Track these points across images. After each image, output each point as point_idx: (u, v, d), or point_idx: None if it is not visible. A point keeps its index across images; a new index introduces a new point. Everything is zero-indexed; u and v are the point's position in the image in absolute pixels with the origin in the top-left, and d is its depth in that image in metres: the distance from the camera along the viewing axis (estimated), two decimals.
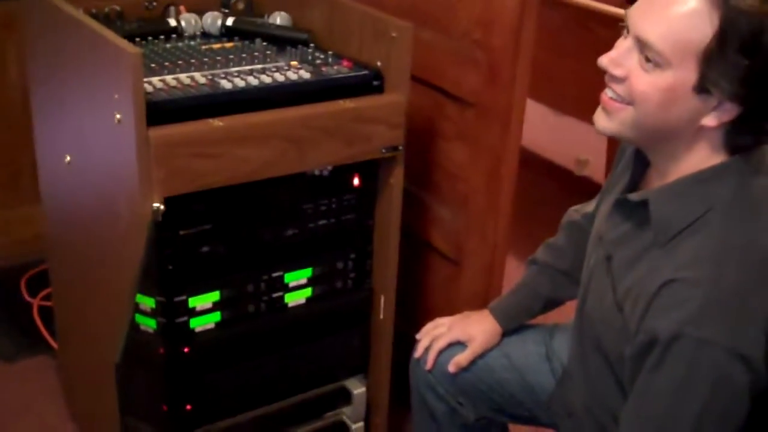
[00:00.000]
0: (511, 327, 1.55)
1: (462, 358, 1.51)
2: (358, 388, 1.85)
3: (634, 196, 1.21)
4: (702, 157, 1.15)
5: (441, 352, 1.53)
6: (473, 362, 1.52)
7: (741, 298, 1.09)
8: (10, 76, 2.54)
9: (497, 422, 1.58)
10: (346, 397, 1.86)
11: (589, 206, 1.51)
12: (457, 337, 1.53)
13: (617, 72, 1.15)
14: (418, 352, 1.56)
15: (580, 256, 1.41)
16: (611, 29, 2.80)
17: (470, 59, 1.70)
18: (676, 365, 1.09)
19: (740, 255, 1.10)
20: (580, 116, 3.01)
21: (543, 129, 3.38)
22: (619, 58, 1.15)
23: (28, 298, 2.51)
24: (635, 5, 1.14)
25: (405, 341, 1.76)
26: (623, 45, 1.15)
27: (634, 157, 1.26)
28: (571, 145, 3.35)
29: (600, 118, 1.19)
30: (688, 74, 1.09)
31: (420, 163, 1.86)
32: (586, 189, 2.39)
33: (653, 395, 1.13)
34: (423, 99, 1.81)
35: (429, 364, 1.53)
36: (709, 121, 1.11)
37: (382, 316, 1.81)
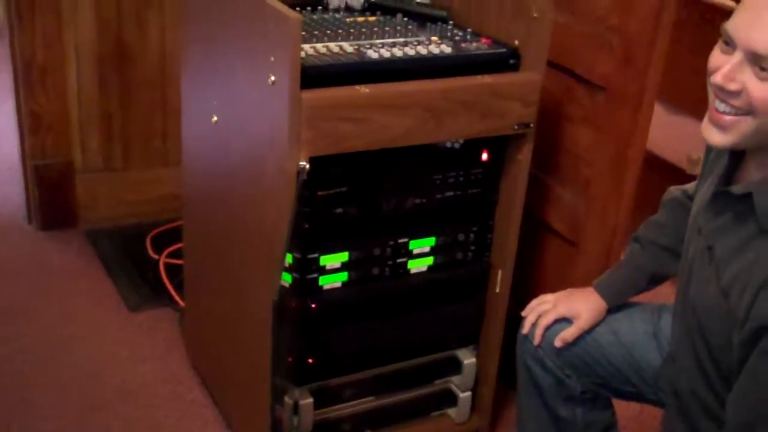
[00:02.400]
0: (616, 303, 1.58)
1: (568, 333, 1.55)
2: (468, 358, 1.91)
3: (737, 189, 1.24)
4: None
5: (548, 328, 1.57)
6: (581, 337, 1.55)
7: None
8: (150, 44, 2.69)
9: (602, 396, 1.61)
10: (456, 366, 1.92)
11: (690, 186, 1.54)
12: (562, 313, 1.57)
13: (732, 87, 1.16)
14: (525, 328, 1.61)
15: (681, 230, 1.43)
16: None
17: (605, 44, 1.74)
18: None
19: None
20: (693, 114, 2.99)
21: (655, 125, 3.36)
22: (731, 74, 1.16)
23: (153, 255, 2.66)
24: (738, 20, 1.16)
25: (516, 318, 1.81)
26: (733, 60, 1.16)
27: (729, 158, 1.28)
28: (684, 142, 3.31)
29: (713, 134, 1.21)
30: None
31: (544, 145, 1.90)
32: None
33: (764, 379, 1.16)
34: (552, 82, 1.85)
35: (537, 340, 1.58)
36: None
37: (498, 290, 1.86)
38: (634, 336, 1.54)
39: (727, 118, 1.19)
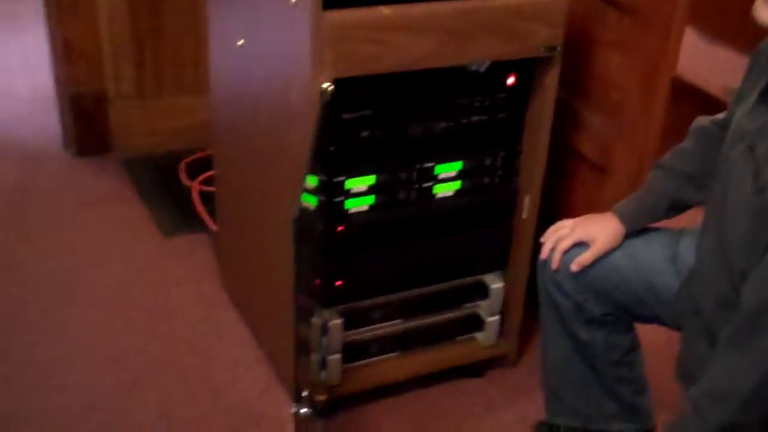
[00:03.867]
0: (634, 228, 1.56)
1: (584, 257, 1.55)
2: (496, 283, 1.93)
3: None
4: None
5: (566, 252, 1.57)
6: (598, 261, 1.55)
7: None
8: None
9: (623, 319, 1.62)
10: (483, 290, 1.94)
11: (720, 115, 1.51)
12: (579, 237, 1.56)
13: None
14: (544, 253, 1.61)
15: (707, 160, 1.42)
16: None
17: None
18: None
19: None
20: (731, 42, 2.92)
21: (692, 54, 3.28)
22: None
23: (186, 181, 2.70)
24: None
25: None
26: None
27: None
28: (721, 72, 3.24)
29: (763, 10, 1.18)
30: None
31: (574, 70, 1.88)
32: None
33: None
34: (582, 4, 1.82)
35: (555, 264, 1.58)
36: None
37: (525, 216, 1.86)
38: (651, 260, 1.53)
39: None
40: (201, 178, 2.66)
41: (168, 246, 2.48)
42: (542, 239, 1.63)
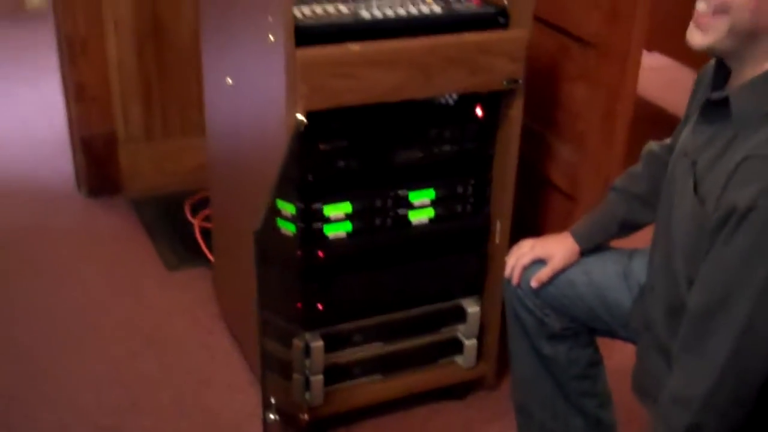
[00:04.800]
0: (589, 246, 1.65)
1: (543, 273, 1.64)
2: (472, 307, 2.01)
3: (715, 95, 1.30)
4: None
5: (525, 268, 1.66)
6: (556, 277, 1.64)
7: None
8: (184, 16, 2.84)
9: (582, 333, 1.69)
10: (461, 314, 2.02)
11: (668, 140, 1.60)
12: (538, 255, 1.65)
13: None
14: (507, 271, 1.70)
15: (655, 181, 1.51)
16: None
17: (595, 4, 1.81)
18: (748, 233, 1.18)
19: None
20: (697, 67, 3.01)
21: (662, 80, 3.38)
22: None
23: (190, 218, 2.83)
24: None
25: None
26: None
27: (714, 74, 1.34)
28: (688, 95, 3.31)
29: (695, 36, 1.29)
30: None
31: (543, 102, 1.98)
32: None
33: (724, 263, 1.21)
34: (548, 41, 1.93)
35: (515, 280, 1.67)
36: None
37: (497, 241, 1.95)
38: (605, 276, 1.62)
39: (707, 18, 1.26)
40: (202, 214, 2.78)
41: (171, 279, 2.59)
42: (506, 258, 1.72)
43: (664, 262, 1.42)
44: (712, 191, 1.26)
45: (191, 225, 2.80)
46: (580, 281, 1.62)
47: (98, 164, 2.94)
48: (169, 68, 2.89)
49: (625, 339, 1.62)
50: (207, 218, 2.75)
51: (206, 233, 2.70)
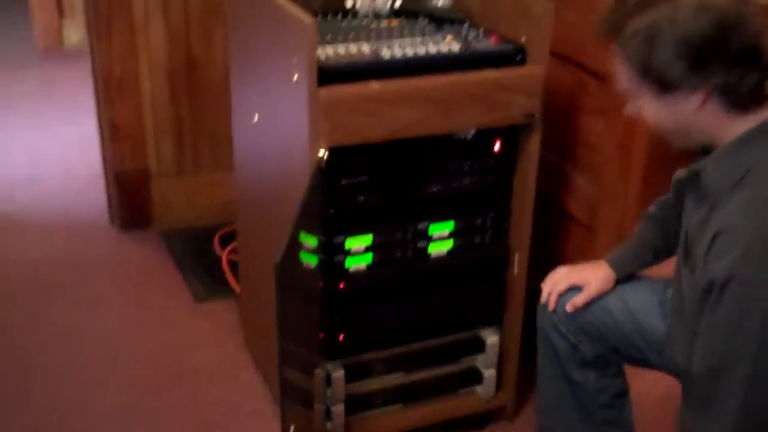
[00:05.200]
0: (624, 274, 1.69)
1: (578, 299, 1.67)
2: (491, 338, 2.04)
3: (691, 168, 1.38)
4: (727, 126, 1.30)
5: (561, 295, 1.69)
6: (592, 304, 1.67)
7: None
8: (216, 57, 2.93)
9: (613, 363, 1.72)
10: (480, 345, 2.05)
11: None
12: (574, 281, 1.69)
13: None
14: (543, 297, 1.73)
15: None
16: None
17: None
18: (730, 304, 1.24)
19: None
20: None
21: None
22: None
23: (218, 252, 2.89)
24: None
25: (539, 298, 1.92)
26: None
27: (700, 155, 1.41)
28: None
29: (630, 105, 1.42)
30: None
31: (561, 135, 2.02)
32: None
33: (715, 332, 1.27)
34: (567, 75, 1.98)
35: (551, 306, 1.70)
36: (696, 104, 1.28)
37: (516, 272, 1.98)
38: (641, 303, 1.65)
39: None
40: (230, 247, 2.85)
41: (199, 311, 2.65)
42: (542, 284, 1.76)
43: (678, 307, 1.46)
44: (698, 261, 1.32)
45: (219, 258, 2.86)
46: (616, 308, 1.66)
47: (130, 198, 3.03)
48: (200, 106, 2.98)
49: (659, 368, 1.64)
50: (234, 251, 2.81)
51: (233, 265, 2.77)
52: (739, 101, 1.28)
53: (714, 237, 1.27)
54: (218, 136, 3.03)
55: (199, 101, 2.98)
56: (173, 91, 2.94)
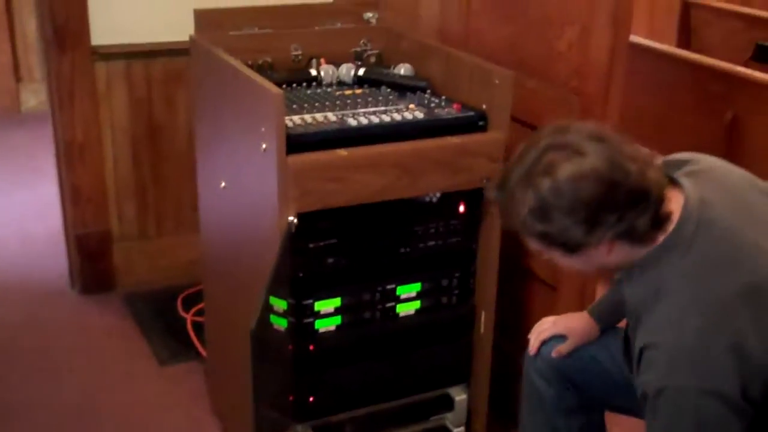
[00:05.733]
0: (607, 325, 1.77)
1: (563, 347, 1.74)
2: (460, 395, 2.07)
3: (616, 278, 1.52)
4: (638, 253, 1.40)
5: (545, 342, 1.77)
6: (577, 353, 1.74)
7: (703, 344, 1.31)
8: (179, 122, 2.97)
9: (597, 410, 1.78)
10: (448, 403, 2.08)
11: None
12: (560, 330, 1.77)
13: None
14: (530, 346, 1.80)
15: None
16: (723, 84, 2.94)
17: (566, 104, 1.94)
18: (664, 413, 1.34)
19: (695, 309, 1.33)
20: None
21: None
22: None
23: (182, 314, 2.89)
24: None
25: (505, 356, 1.96)
26: None
27: None
28: None
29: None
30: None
31: None
32: None
33: None
34: (526, 138, 2.04)
35: (532, 351, 1.77)
36: (604, 252, 1.38)
37: (482, 331, 2.03)
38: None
39: None
40: (195, 309, 2.85)
41: (163, 374, 2.64)
42: (529, 335, 1.82)
43: None
44: (633, 361, 1.43)
45: (183, 319, 2.86)
46: (602, 357, 1.73)
47: (92, 261, 3.01)
48: (163, 169, 3.00)
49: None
50: (199, 312, 2.81)
51: (198, 327, 2.76)
52: (642, 236, 1.37)
53: (641, 352, 1.37)
54: (181, 199, 3.05)
55: (162, 165, 3.00)
56: (136, 156, 2.96)
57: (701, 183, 1.42)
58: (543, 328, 1.79)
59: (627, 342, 1.57)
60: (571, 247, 1.37)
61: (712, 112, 2.61)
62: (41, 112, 4.49)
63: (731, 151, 2.57)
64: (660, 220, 1.37)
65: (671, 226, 1.38)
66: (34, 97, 4.71)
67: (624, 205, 1.33)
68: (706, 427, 1.31)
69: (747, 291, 1.33)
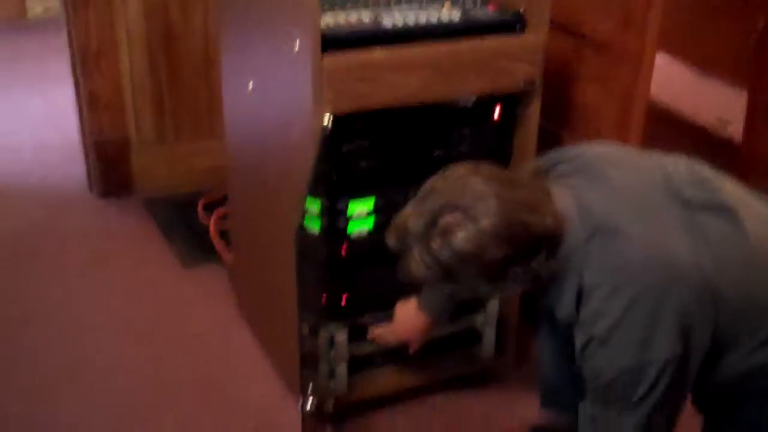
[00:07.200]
0: (439, 318, 1.93)
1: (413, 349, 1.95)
2: None
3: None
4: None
5: None
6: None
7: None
8: (195, 25, 2.91)
9: None
10: (479, 304, 2.09)
11: None
12: (401, 339, 1.96)
13: None
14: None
15: None
16: None
17: (607, 7, 1.90)
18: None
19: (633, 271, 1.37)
20: (722, 77, 3.09)
21: (686, 90, 3.46)
22: None
23: (203, 218, 2.89)
24: None
25: None
26: None
27: None
28: (714, 105, 3.38)
29: (390, 239, 1.55)
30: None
31: (559, 103, 2.07)
32: (725, 149, 2.49)
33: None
34: (564, 45, 2.01)
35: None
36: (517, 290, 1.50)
37: None
38: None
39: None
40: (215, 213, 2.85)
41: (187, 276, 2.66)
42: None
43: None
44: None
45: (204, 224, 2.86)
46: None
47: (111, 166, 3.01)
48: (180, 75, 2.96)
49: None
50: (220, 217, 2.82)
51: (220, 232, 2.77)
52: (546, 273, 1.40)
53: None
54: (198, 105, 3.02)
55: (179, 71, 2.96)
56: (152, 61, 2.92)
57: (578, 184, 1.45)
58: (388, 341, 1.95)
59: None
60: (485, 294, 1.49)
61: (745, 18, 2.56)
62: (48, 19, 4.43)
63: (759, 62, 2.53)
64: (558, 246, 1.40)
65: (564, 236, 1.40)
66: (40, 3, 4.62)
67: (528, 256, 1.37)
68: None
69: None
